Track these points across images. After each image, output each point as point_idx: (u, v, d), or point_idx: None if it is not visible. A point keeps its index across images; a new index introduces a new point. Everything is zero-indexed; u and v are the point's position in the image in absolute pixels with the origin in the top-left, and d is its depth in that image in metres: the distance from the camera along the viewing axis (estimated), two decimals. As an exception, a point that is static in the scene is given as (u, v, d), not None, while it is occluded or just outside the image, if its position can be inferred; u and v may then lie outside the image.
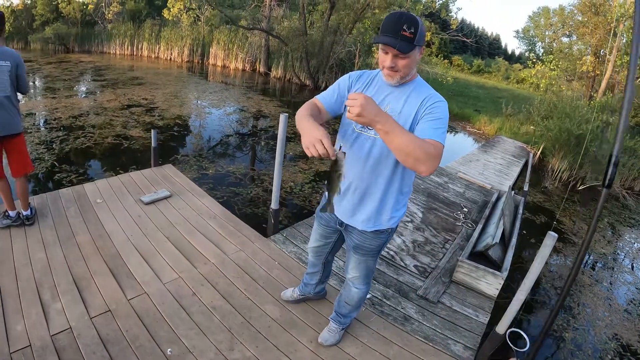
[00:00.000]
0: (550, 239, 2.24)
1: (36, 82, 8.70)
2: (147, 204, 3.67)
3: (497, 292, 3.26)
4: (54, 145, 5.36)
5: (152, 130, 4.26)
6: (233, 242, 3.33)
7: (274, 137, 7.44)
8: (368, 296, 3.01)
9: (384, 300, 3.05)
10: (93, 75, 9.97)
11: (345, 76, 1.86)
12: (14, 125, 2.92)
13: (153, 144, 4.36)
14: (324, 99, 1.82)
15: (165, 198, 3.83)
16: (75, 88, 8.38)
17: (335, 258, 3.24)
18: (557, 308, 2.46)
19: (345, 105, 1.72)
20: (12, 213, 3.00)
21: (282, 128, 3.25)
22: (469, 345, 2.72)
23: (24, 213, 3.12)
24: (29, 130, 5.73)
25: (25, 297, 2.53)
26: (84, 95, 8.00)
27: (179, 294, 2.71)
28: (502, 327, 2.50)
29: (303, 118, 1.58)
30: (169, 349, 2.33)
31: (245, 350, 2.39)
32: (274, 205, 3.49)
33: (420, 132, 1.52)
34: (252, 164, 6.20)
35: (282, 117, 3.21)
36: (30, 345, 2.25)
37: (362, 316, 2.78)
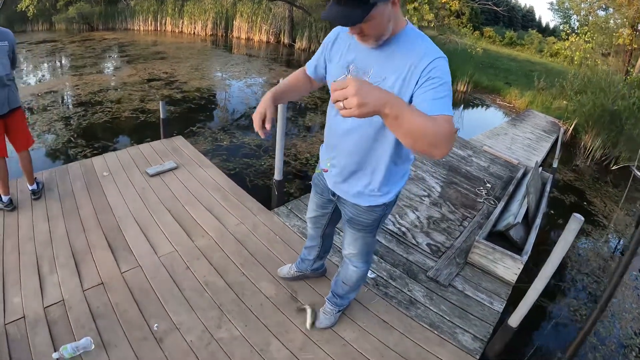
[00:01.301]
0: (575, 223, 1.88)
1: (59, 61, 8.86)
2: (152, 175, 3.58)
3: (515, 277, 2.89)
4: (71, 121, 5.41)
5: (160, 102, 4.13)
6: (235, 214, 3.18)
7: (294, 108, 7.18)
8: (372, 276, 2.77)
9: (390, 281, 2.79)
10: (115, 52, 10.04)
11: (324, 41, 1.59)
12: (15, 99, 2.90)
13: (162, 116, 4.24)
14: (310, 68, 1.66)
15: (171, 170, 3.72)
16: (96, 65, 8.46)
17: (339, 232, 3.00)
18: (601, 308, 2.11)
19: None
20: (5, 198, 2.97)
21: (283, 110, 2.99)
22: (478, 336, 2.41)
23: (30, 187, 3.11)
24: (48, 108, 5.84)
25: (26, 270, 2.53)
26: (104, 71, 8.07)
27: (173, 268, 2.61)
28: (515, 320, 2.19)
29: (279, 85, 1.52)
30: (155, 324, 2.24)
31: (233, 329, 2.25)
32: (277, 176, 3.28)
33: (425, 105, 1.17)
34: (269, 136, 6.00)
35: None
36: (24, 317, 2.25)
37: (363, 298, 2.55)
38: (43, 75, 7.61)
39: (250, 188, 4.38)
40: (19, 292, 2.38)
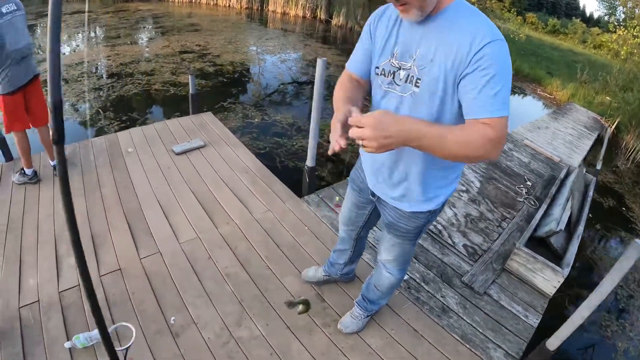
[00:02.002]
0: (635, 250, 1.56)
1: (92, 32, 8.83)
2: (178, 154, 3.39)
3: (553, 291, 2.61)
4: (101, 93, 5.32)
5: (189, 76, 3.89)
6: (262, 200, 2.93)
7: (328, 87, 6.79)
8: (405, 277, 2.47)
9: (422, 284, 2.49)
10: (149, 23, 9.90)
11: (366, 24, 1.34)
12: (34, 67, 2.75)
13: (191, 91, 4.01)
14: (354, 66, 1.38)
15: (198, 148, 3.51)
16: (129, 36, 8.35)
17: (374, 228, 2.70)
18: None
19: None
20: (28, 171, 2.86)
21: (320, 74, 2.63)
22: (511, 353, 2.14)
23: (52, 163, 2.99)
24: (78, 79, 5.77)
25: (43, 251, 2.41)
26: (137, 42, 7.94)
27: (194, 256, 2.41)
28: (554, 343, 1.93)
29: (337, 100, 1.28)
30: (172, 317, 2.06)
31: (253, 328, 2.04)
32: (309, 162, 2.98)
33: (472, 104, 1.04)
34: (302, 114, 5.70)
35: (320, 62, 2.60)
36: (38, 300, 2.15)
37: (393, 302, 2.27)
38: (77, 45, 7.59)
39: (280, 170, 4.14)
40: (35, 274, 2.27)
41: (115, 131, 4.02)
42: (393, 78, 1.22)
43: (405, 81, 1.18)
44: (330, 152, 1.06)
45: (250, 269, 2.36)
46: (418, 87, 1.16)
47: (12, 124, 2.67)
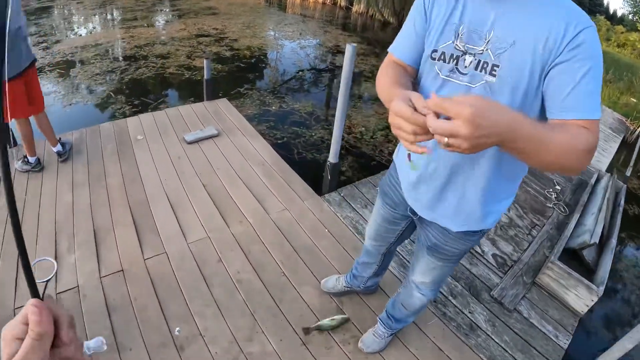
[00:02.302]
0: None
1: (109, 14, 8.63)
2: (190, 143, 3.16)
3: (585, 309, 2.35)
4: (113, 76, 5.12)
5: (204, 61, 3.64)
6: (279, 197, 2.68)
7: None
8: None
9: (450, 298, 2.22)
10: (166, 6, 9.63)
11: (417, 1, 1.07)
12: (31, 51, 2.56)
13: (206, 76, 3.76)
14: (401, 51, 1.11)
15: (212, 137, 3.27)
16: (146, 18, 8.11)
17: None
18: None
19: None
20: (31, 159, 2.70)
21: (349, 62, 2.33)
22: None
23: (54, 149, 2.80)
24: (91, 61, 5.59)
25: (42, 244, 2.24)
26: (153, 25, 7.72)
27: (203, 258, 2.19)
28: None
29: (385, 88, 1.00)
30: (177, 328, 1.86)
31: (266, 343, 1.82)
32: (332, 158, 2.71)
33: (565, 102, 0.83)
34: (324, 104, 5.41)
35: (349, 49, 2.30)
36: None
37: (418, 317, 2.01)
38: (94, 27, 7.42)
39: (298, 161, 3.88)
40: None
41: (126, 116, 3.83)
42: (456, 64, 0.95)
43: (476, 68, 0.92)
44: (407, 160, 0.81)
45: (264, 275, 2.13)
46: (494, 75, 0.89)
47: (15, 111, 2.48)
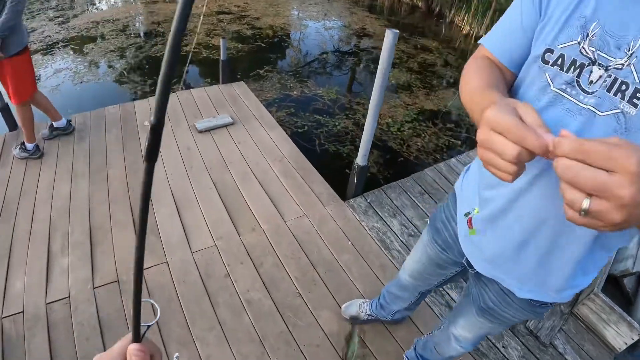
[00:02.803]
0: None
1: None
2: (202, 132, 2.88)
3: (623, 347, 2.05)
4: (127, 53, 4.86)
5: (221, 40, 3.31)
6: (297, 200, 2.38)
7: (376, 60, 6.01)
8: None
9: None
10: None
11: None
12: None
13: (222, 57, 3.43)
14: (500, 48, 0.80)
15: (225, 126, 2.98)
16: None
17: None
18: None
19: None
20: (29, 146, 2.50)
21: (388, 51, 1.94)
22: None
23: (55, 124, 2.63)
24: (106, 37, 5.35)
25: (35, 243, 2.04)
26: (174, 0, 7.40)
27: (208, 271, 1.93)
28: None
29: (476, 91, 0.71)
30: (176, 354, 1.65)
31: (276, 379, 1.56)
32: (360, 160, 2.37)
33: None
34: (346, 89, 5.02)
35: (390, 35, 1.92)
36: (23, 311, 1.79)
37: None
38: (115, 2, 7.16)
39: (319, 154, 3.56)
40: (23, 275, 1.91)
41: (138, 97, 3.58)
42: (578, 76, 0.64)
43: (609, 89, 0.61)
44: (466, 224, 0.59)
45: (276, 295, 1.86)
46: (636, 105, 0.58)
47: (24, 90, 2.31)
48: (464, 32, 7.04)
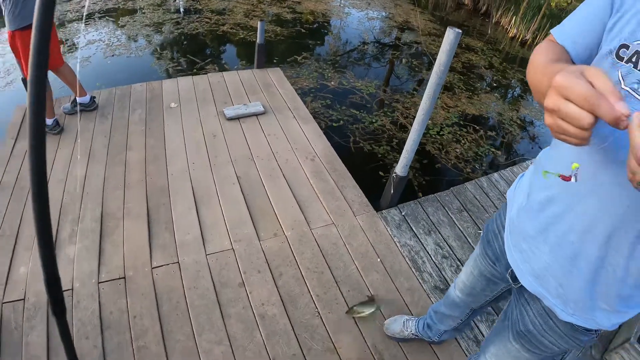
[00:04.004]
0: None
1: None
2: (230, 119, 2.73)
3: None
4: (162, 29, 4.79)
5: (259, 23, 3.14)
6: (327, 206, 2.19)
7: (417, 56, 5.64)
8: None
9: None
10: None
11: None
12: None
13: (258, 40, 3.27)
14: (571, 37, 0.75)
15: (256, 115, 2.82)
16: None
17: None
18: None
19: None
20: (49, 121, 2.45)
21: (447, 53, 1.67)
22: None
23: (79, 100, 2.58)
24: (144, 10, 5.31)
25: None
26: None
27: (222, 277, 1.79)
28: None
29: (544, 64, 0.69)
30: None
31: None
32: (400, 169, 2.15)
33: None
34: (386, 84, 4.76)
35: (451, 34, 1.66)
36: (24, 299, 1.71)
37: None
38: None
39: (353, 153, 3.35)
40: (28, 259, 1.83)
41: (169, 75, 3.48)
42: None
43: None
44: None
45: (293, 312, 1.70)
46: None
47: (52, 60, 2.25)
48: (510, 34, 6.71)
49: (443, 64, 1.74)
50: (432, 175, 3.31)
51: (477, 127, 4.06)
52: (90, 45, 4.30)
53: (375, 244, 2.02)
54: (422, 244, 2.11)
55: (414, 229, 2.17)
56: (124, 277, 1.76)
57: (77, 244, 1.88)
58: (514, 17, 6.56)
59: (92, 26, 4.69)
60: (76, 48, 4.26)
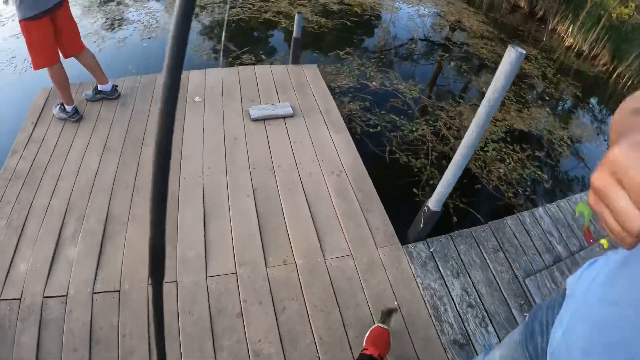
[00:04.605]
0: None
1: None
2: (255, 120, 2.59)
3: None
4: (203, 12, 4.71)
5: (296, 15, 2.95)
6: (346, 233, 1.99)
7: (467, 59, 5.21)
8: None
9: None
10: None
11: None
12: None
13: (295, 34, 3.07)
14: None
15: (284, 117, 2.66)
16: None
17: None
18: None
19: None
20: (68, 108, 2.41)
21: (506, 74, 1.40)
22: None
23: (100, 87, 2.53)
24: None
25: (49, 223, 1.95)
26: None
27: (220, 304, 1.66)
28: None
29: (627, 112, 0.50)
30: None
31: None
32: (433, 204, 1.90)
33: None
34: (430, 89, 4.44)
35: (513, 54, 1.36)
36: (20, 299, 1.69)
37: None
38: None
39: (387, 164, 3.12)
40: (29, 258, 1.80)
41: (200, 63, 3.37)
42: None
43: None
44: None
45: (291, 354, 1.55)
46: None
47: (38, 59, 2.19)
48: (567, 43, 6.19)
49: (498, 90, 1.46)
50: (471, 197, 3.02)
51: (525, 146, 3.71)
52: (128, 25, 4.29)
53: (395, 284, 1.82)
54: (447, 288, 1.88)
55: (441, 270, 1.94)
56: (119, 291, 1.68)
57: (77, 246, 1.82)
58: (572, 26, 6.13)
59: (132, 7, 4.68)
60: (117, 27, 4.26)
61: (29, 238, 1.87)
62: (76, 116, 2.40)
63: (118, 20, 4.44)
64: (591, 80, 5.55)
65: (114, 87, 2.56)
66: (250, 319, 1.62)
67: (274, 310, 1.66)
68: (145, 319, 1.61)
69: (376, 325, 1.51)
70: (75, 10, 4.43)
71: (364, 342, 1.44)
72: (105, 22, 4.38)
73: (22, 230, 1.90)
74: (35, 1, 2.00)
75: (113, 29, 4.28)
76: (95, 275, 1.72)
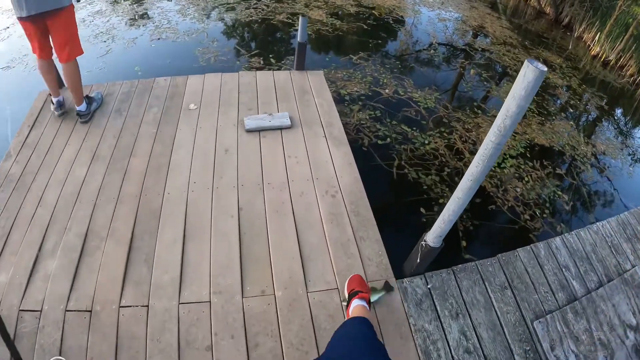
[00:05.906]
0: None
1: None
2: (249, 131, 2.53)
3: None
4: (215, 13, 4.71)
5: (300, 18, 2.87)
6: (334, 263, 1.91)
7: (488, 67, 5.00)
8: None
9: None
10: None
11: None
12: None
13: (299, 38, 2.99)
14: None
15: (281, 129, 2.59)
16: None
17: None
18: None
19: None
20: (54, 99, 2.51)
21: (525, 93, 1.20)
22: None
23: (77, 108, 2.51)
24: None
25: (32, 234, 1.97)
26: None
27: (190, 336, 1.62)
28: None
29: None
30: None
31: None
32: (432, 239, 1.80)
33: None
34: (447, 98, 4.29)
35: (531, 72, 1.14)
36: None
37: None
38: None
39: (394, 181, 3.02)
40: (10, 268, 1.84)
41: (207, 67, 3.34)
42: None
43: None
44: None
45: (260, 400, 1.48)
46: None
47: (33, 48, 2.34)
48: (593, 52, 6.00)
49: (511, 116, 1.27)
50: (483, 220, 2.90)
51: (545, 162, 3.54)
52: (138, 24, 4.32)
53: (383, 324, 1.73)
54: (443, 331, 1.78)
55: (438, 309, 1.84)
56: (90, 311, 1.67)
57: (56, 260, 1.82)
58: (599, 34, 6.00)
59: (149, 3, 4.71)
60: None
61: (12, 249, 1.89)
62: (59, 110, 2.50)
63: (131, 19, 4.48)
64: (617, 92, 5.31)
65: (88, 106, 2.57)
66: (220, 354, 1.57)
67: (247, 346, 1.60)
68: (113, 342, 1.59)
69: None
70: (94, 8, 4.48)
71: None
72: (121, 21, 4.42)
73: (6, 239, 1.92)
74: (16, 5, 2.10)
75: (126, 27, 4.32)
76: (70, 292, 1.73)
